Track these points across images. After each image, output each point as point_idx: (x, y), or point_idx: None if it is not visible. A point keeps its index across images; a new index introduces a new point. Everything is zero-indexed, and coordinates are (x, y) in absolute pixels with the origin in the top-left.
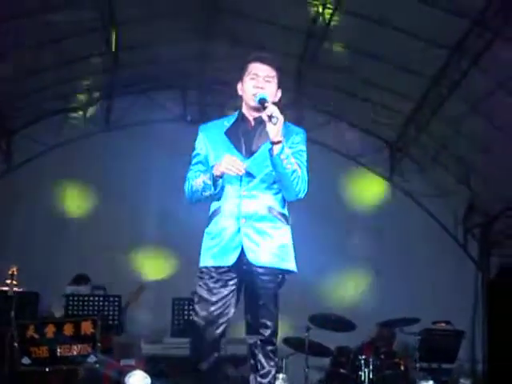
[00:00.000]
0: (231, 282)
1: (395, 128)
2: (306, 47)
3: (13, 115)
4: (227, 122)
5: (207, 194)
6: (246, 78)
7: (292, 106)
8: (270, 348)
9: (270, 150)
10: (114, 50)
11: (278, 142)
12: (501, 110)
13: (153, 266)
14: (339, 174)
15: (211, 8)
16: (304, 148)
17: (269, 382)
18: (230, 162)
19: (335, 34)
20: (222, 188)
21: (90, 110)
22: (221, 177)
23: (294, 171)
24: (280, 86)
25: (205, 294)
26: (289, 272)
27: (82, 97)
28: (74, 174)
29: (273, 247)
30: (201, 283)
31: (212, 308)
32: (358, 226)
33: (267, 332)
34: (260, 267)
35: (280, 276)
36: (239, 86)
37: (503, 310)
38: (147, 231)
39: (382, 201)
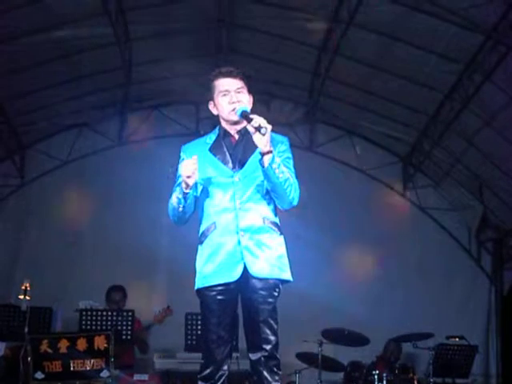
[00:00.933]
0: (232, 301)
1: (408, 142)
2: (319, 61)
3: (26, 130)
4: (209, 140)
5: (181, 209)
6: (218, 96)
7: (305, 120)
8: (273, 363)
9: (261, 160)
10: (127, 65)
11: (268, 152)
12: None
13: (165, 280)
14: (352, 189)
15: (225, 24)
16: (290, 155)
17: None
18: (187, 167)
19: (348, 49)
20: (194, 203)
21: (104, 125)
22: (190, 188)
23: (286, 179)
24: (250, 91)
25: (208, 316)
26: (286, 282)
27: (95, 112)
28: (87, 189)
29: (272, 258)
30: (203, 305)
31: (217, 330)
32: (370, 241)
33: (269, 347)
34: (260, 281)
35: (277, 289)
36: (211, 105)
37: None
38: (160, 245)
39: (395, 215)
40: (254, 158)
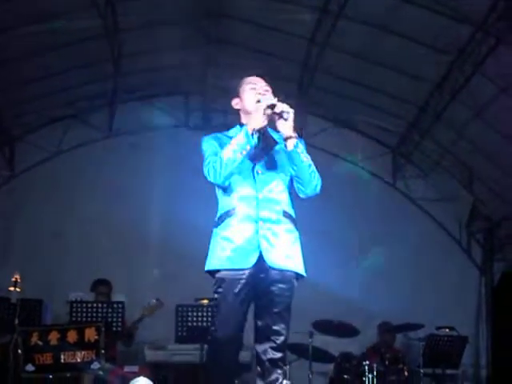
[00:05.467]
0: (245, 288)
1: (398, 133)
2: (309, 53)
3: (16, 122)
4: (231, 134)
5: (244, 153)
6: (246, 89)
7: (295, 112)
8: (279, 356)
9: (285, 146)
10: (116, 56)
11: (291, 137)
12: (504, 115)
13: (156, 271)
14: (342, 179)
15: (215, 14)
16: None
17: None
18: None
19: (338, 40)
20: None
21: (93, 117)
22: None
23: (310, 164)
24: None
25: (224, 307)
26: (300, 276)
27: (84, 103)
28: (77, 181)
29: (288, 250)
30: (218, 295)
31: (232, 321)
32: (359, 231)
33: (278, 340)
34: (278, 273)
35: (294, 285)
36: (235, 101)
37: (507, 315)
38: (150, 236)
39: (385, 206)
40: (273, 154)
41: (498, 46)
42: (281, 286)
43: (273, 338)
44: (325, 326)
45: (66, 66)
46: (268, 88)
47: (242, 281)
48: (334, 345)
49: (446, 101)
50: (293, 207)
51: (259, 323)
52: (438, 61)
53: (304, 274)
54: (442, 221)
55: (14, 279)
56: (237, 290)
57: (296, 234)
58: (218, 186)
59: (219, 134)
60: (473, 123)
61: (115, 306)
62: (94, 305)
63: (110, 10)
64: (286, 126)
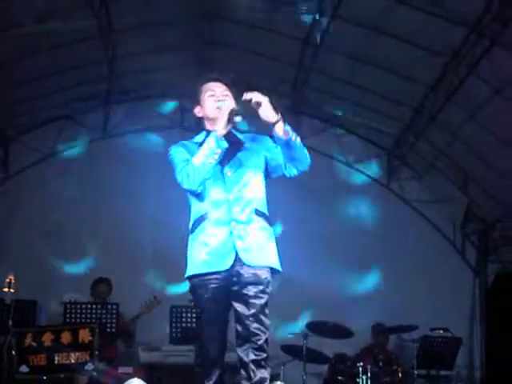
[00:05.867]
0: (224, 291)
1: (393, 135)
2: (304, 54)
3: (9, 123)
4: (197, 140)
5: (215, 157)
6: (205, 97)
7: (290, 113)
8: (261, 357)
9: (273, 132)
10: (111, 57)
11: (277, 121)
12: (498, 117)
13: (149, 273)
14: (337, 181)
15: (209, 16)
16: None
17: None
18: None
19: (333, 42)
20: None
21: (88, 118)
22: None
23: (300, 141)
24: (236, 99)
25: (203, 313)
26: (276, 271)
27: (79, 104)
28: (71, 182)
29: (263, 247)
30: (196, 298)
31: (213, 325)
32: (355, 233)
33: (260, 340)
34: (252, 274)
35: (269, 285)
36: (197, 109)
37: (501, 317)
38: (144, 238)
39: (379, 207)
40: (242, 153)
41: (493, 48)
42: (255, 288)
43: (253, 339)
44: (319, 328)
45: (61, 67)
46: (227, 92)
47: (214, 285)
48: (329, 346)
49: (440, 103)
50: (265, 204)
51: (238, 327)
52: (432, 63)
53: (280, 268)
54: (437, 222)
55: (8, 280)
56: (210, 295)
57: (270, 230)
58: (191, 193)
59: (186, 142)
60: (467, 125)
61: (109, 307)
62: (88, 306)
63: (104, 11)
64: (266, 113)
